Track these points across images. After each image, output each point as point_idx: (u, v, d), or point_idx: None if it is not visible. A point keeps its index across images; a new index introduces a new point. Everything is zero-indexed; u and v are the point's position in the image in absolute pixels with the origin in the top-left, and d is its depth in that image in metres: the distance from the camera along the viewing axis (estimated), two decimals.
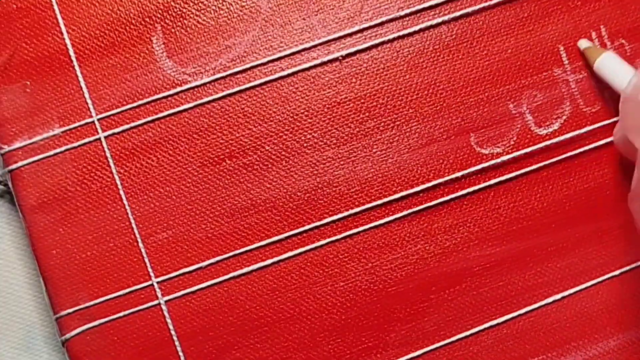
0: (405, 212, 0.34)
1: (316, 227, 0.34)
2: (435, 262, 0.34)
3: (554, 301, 0.35)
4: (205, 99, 0.35)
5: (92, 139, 0.35)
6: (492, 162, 0.35)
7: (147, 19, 0.35)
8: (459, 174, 0.35)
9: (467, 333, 0.34)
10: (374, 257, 0.34)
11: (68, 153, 0.35)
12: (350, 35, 0.35)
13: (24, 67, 0.35)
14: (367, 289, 0.34)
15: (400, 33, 0.35)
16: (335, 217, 0.34)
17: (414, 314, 0.34)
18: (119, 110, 0.35)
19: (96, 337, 0.34)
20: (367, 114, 0.35)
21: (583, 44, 0.35)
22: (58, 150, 0.34)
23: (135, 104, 0.35)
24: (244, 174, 0.35)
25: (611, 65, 0.33)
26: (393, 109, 0.35)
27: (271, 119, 0.35)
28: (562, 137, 0.35)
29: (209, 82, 0.35)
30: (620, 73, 0.33)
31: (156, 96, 0.35)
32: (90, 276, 0.34)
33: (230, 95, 0.35)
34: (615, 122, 0.34)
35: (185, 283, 0.34)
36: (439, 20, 0.35)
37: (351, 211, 0.34)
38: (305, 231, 0.34)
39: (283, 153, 0.35)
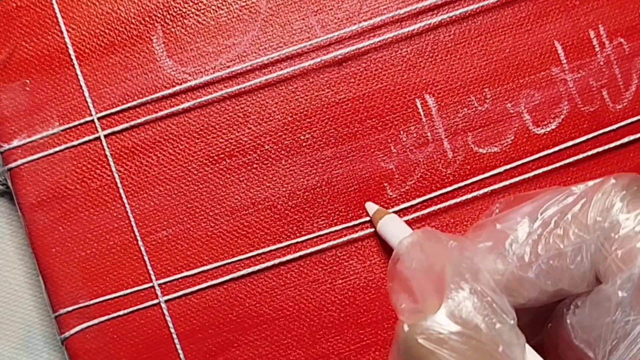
0: (404, 211, 0.35)
1: (315, 226, 0.35)
2: None
3: None
4: (205, 98, 0.35)
5: (91, 137, 0.35)
6: (490, 161, 0.35)
7: (147, 18, 0.35)
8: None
9: None
10: (373, 255, 0.34)
11: (68, 151, 0.35)
12: (349, 35, 0.35)
13: (23, 65, 0.35)
14: (366, 286, 0.34)
15: (399, 33, 0.35)
16: (334, 216, 0.34)
17: None
18: (118, 109, 0.35)
19: (95, 335, 0.34)
20: (365, 114, 0.35)
21: (370, 207, 0.34)
22: (58, 148, 0.35)
23: (135, 103, 0.35)
24: (244, 173, 0.35)
25: (390, 227, 0.33)
26: (391, 109, 0.35)
27: (270, 118, 0.35)
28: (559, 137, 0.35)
29: (209, 82, 0.35)
30: (398, 235, 0.31)
31: (156, 95, 0.35)
32: (89, 274, 0.34)
33: (229, 94, 0.35)
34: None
35: (184, 281, 0.34)
36: (437, 20, 0.35)
37: (350, 210, 0.35)
38: (304, 230, 0.34)
39: (282, 152, 0.35)
